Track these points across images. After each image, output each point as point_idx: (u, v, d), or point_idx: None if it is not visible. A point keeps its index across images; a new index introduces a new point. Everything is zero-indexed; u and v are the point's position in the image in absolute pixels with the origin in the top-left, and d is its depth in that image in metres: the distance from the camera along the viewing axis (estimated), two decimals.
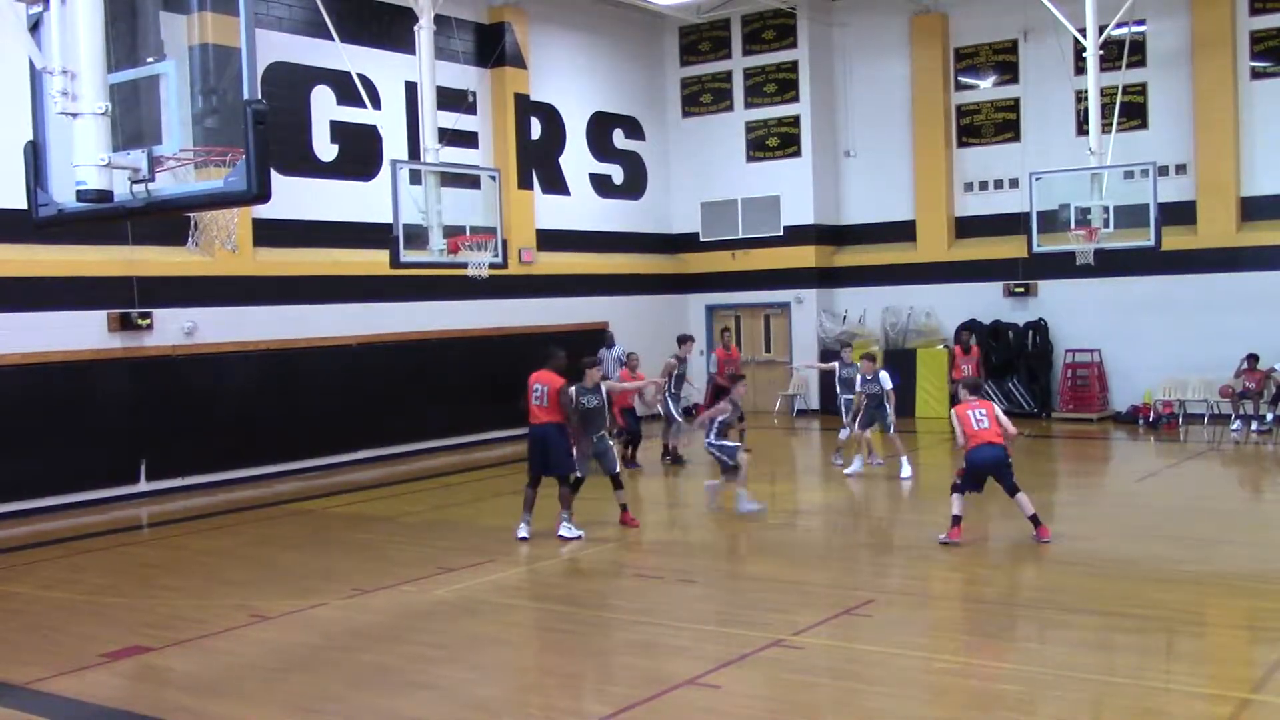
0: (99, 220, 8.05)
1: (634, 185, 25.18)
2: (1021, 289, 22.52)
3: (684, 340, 18.22)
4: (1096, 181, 18.18)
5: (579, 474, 12.40)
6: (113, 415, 15.62)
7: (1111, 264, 19.30)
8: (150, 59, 6.61)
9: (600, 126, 24.31)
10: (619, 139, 24.81)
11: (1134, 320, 21.30)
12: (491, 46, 21.52)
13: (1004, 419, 11.53)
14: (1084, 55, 18.95)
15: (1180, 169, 21.07)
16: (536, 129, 22.65)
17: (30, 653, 8.75)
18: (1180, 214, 20.46)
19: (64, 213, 6.76)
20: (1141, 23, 20.96)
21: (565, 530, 12.16)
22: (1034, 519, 11.26)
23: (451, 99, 19.36)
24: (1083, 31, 18.75)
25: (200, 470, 16.52)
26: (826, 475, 16.53)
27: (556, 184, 23.23)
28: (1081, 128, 20.30)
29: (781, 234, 24.59)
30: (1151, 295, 21.02)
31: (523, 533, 12.19)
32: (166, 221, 13.43)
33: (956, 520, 11.30)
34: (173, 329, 16.32)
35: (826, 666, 7.99)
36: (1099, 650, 8.11)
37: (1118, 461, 18.34)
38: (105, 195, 6.24)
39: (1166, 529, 12.19)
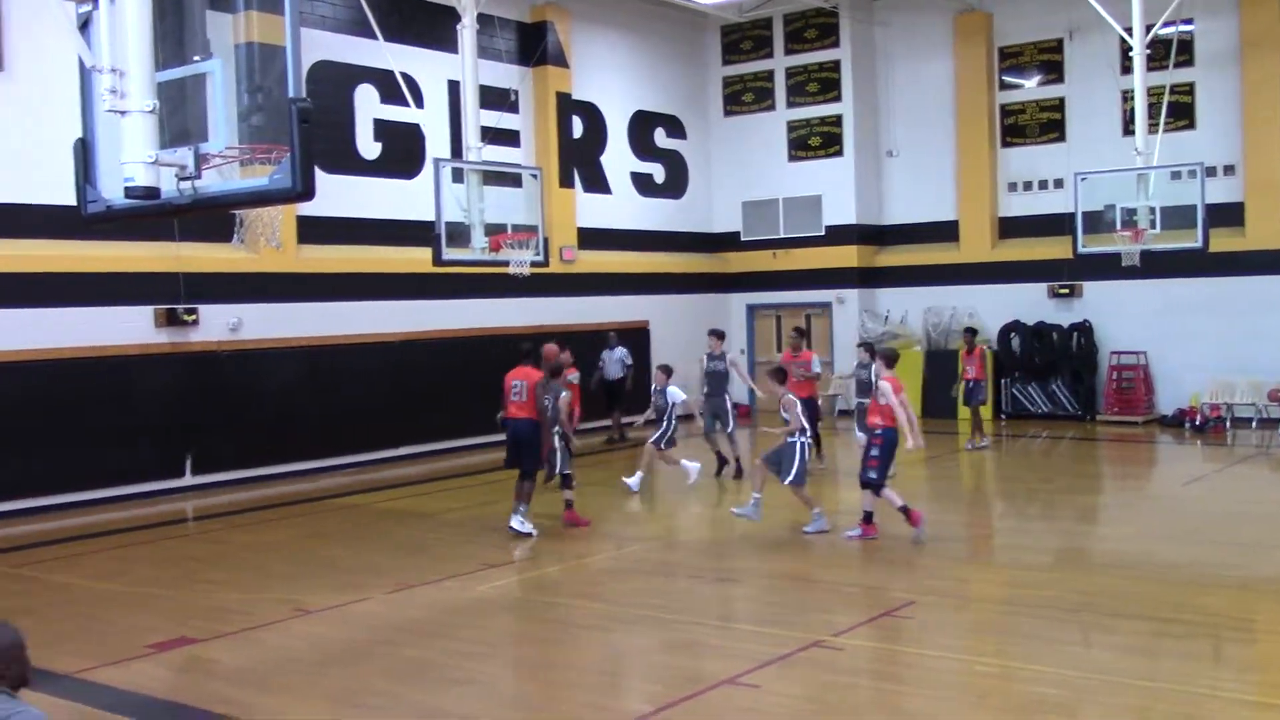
0: (146, 217, 8.15)
1: (675, 184, 25.17)
2: (1066, 290, 22.30)
3: (710, 335, 16.93)
4: (1143, 182, 17.96)
5: (563, 469, 12.69)
6: (159, 410, 15.82)
7: (1158, 265, 19.05)
8: (197, 57, 6.66)
9: (642, 125, 24.32)
10: (660, 138, 24.82)
11: (1181, 322, 21.03)
12: (534, 45, 21.60)
13: None
14: (1130, 55, 18.71)
15: (1228, 170, 20.79)
16: (578, 128, 22.70)
17: (78, 643, 8.87)
18: (1228, 215, 20.19)
19: (112, 209, 6.83)
20: (1189, 22, 20.68)
21: (517, 523, 12.18)
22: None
23: (494, 97, 19.42)
24: (1129, 31, 18.52)
25: (244, 465, 16.69)
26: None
27: (598, 183, 23.27)
28: (1128, 128, 20.07)
29: (823, 234, 24.50)
30: (1199, 297, 20.75)
31: (526, 528, 12.28)
32: (212, 218, 13.60)
33: (903, 509, 11.58)
34: (218, 325, 16.50)
35: (866, 668, 7.95)
36: (1143, 655, 8.01)
37: (1164, 465, 18.12)
38: (152, 192, 6.31)
39: (1213, 534, 12.03)
